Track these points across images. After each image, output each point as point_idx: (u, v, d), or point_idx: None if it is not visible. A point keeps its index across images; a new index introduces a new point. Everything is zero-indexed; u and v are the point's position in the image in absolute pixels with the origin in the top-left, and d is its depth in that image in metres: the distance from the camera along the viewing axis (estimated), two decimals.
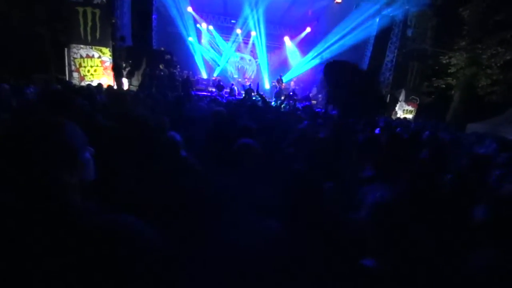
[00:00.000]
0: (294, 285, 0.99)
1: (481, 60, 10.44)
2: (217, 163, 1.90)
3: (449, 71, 11.28)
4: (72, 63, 9.94)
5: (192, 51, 14.34)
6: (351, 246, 1.21)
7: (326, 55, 13.59)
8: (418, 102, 11.78)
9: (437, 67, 11.55)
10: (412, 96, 11.94)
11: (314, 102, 13.06)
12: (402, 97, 12.05)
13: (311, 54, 14.55)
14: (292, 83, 14.52)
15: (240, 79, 15.21)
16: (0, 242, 0.63)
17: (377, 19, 11.71)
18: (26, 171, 0.69)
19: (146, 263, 0.70)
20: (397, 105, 11.94)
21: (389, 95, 12.03)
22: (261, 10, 13.64)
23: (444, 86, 11.53)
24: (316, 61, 14.30)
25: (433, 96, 11.86)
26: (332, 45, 13.44)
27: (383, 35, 11.72)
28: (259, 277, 0.96)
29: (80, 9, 9.74)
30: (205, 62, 15.12)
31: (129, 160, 1.68)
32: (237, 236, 1.04)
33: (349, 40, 12.67)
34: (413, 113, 11.77)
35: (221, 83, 12.59)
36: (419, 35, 11.57)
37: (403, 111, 11.91)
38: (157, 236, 0.79)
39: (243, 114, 3.54)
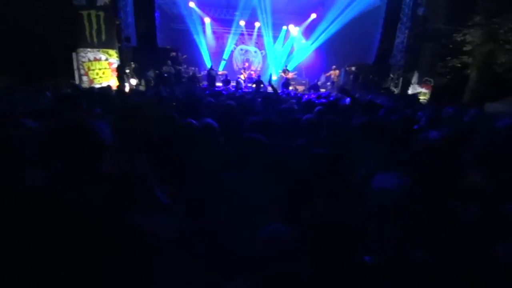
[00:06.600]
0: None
1: (498, 36, 9.85)
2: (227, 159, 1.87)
3: (464, 49, 10.70)
4: (81, 67, 10.09)
5: (199, 45, 14.30)
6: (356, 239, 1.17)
7: (327, 35, 13.32)
8: (432, 84, 11.29)
9: (451, 46, 10.98)
10: (426, 78, 11.44)
11: (322, 90, 12.80)
12: (415, 79, 11.58)
13: (313, 37, 14.28)
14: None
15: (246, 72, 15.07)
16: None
17: None
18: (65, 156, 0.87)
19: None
20: (410, 88, 11.51)
21: (401, 78, 11.61)
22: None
23: (459, 65, 10.96)
24: (318, 42, 14.02)
25: (448, 77, 11.32)
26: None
27: (392, 16, 11.25)
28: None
29: (85, 13, 9.79)
30: (212, 57, 15.04)
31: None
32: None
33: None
34: (427, 96, 11.31)
35: (228, 78, 12.55)
36: (431, 13, 11.01)
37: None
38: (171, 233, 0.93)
39: (257, 106, 3.50)
